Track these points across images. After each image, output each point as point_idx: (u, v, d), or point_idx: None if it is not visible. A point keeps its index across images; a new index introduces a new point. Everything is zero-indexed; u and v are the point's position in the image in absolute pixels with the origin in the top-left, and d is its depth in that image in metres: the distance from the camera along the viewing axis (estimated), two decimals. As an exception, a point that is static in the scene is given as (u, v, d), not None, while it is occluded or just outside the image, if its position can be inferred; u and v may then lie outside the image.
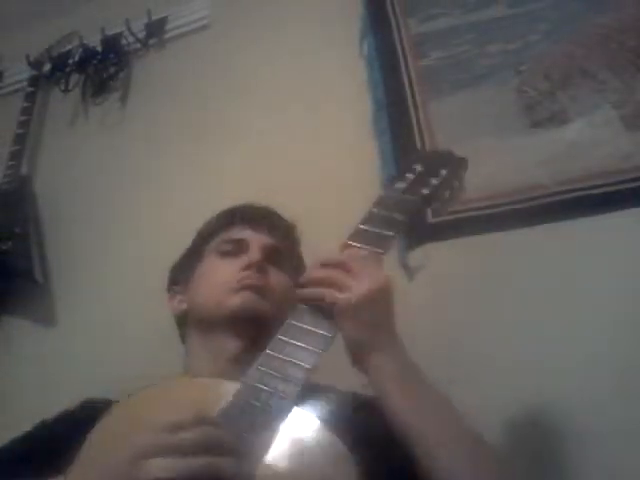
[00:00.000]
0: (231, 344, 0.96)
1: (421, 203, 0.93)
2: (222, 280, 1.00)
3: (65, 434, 0.76)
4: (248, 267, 0.99)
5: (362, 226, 0.89)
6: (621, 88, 1.19)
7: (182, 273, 1.10)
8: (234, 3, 1.62)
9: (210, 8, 1.66)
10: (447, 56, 1.34)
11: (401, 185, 0.95)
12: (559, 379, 1.08)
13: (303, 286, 0.85)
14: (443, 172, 0.95)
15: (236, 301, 0.97)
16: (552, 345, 1.10)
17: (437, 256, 1.21)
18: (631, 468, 0.98)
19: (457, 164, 0.98)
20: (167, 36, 1.71)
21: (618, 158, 1.15)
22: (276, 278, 1.02)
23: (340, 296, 0.81)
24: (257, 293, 0.98)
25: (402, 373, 0.80)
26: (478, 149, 1.21)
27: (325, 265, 0.86)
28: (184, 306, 1.05)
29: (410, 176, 0.96)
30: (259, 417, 0.69)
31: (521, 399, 1.09)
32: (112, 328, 1.44)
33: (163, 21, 1.71)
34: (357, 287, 0.81)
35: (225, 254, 1.04)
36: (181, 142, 1.56)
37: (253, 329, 0.95)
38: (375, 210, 0.91)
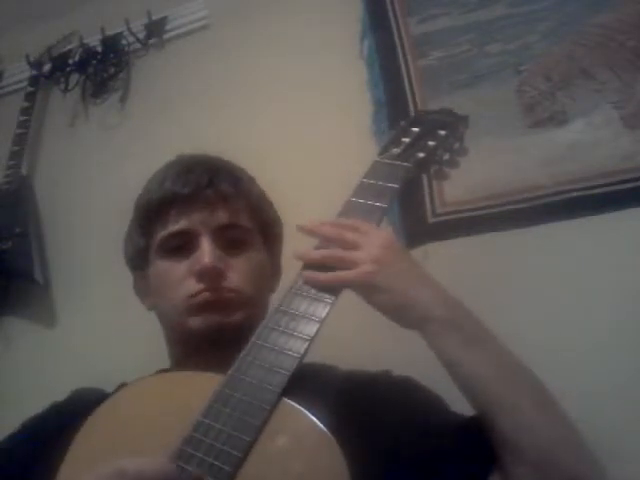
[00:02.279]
0: (204, 356, 0.85)
1: (415, 169, 0.87)
2: (177, 294, 0.88)
3: (56, 427, 0.75)
4: (201, 278, 0.86)
5: (353, 199, 0.83)
6: (621, 88, 1.19)
7: (136, 266, 0.98)
8: (234, 3, 1.62)
9: (210, 8, 1.66)
10: (447, 56, 1.34)
11: (396, 150, 0.88)
12: (560, 379, 1.08)
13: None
14: (441, 133, 0.89)
15: (197, 323, 0.86)
16: (552, 345, 1.10)
17: (437, 256, 1.21)
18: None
19: (457, 123, 0.92)
20: (167, 36, 1.71)
21: (618, 158, 1.15)
22: (242, 270, 0.88)
23: (351, 273, 0.74)
24: (220, 310, 0.86)
25: (458, 327, 0.75)
26: (478, 149, 1.21)
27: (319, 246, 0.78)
28: (151, 305, 0.96)
29: (406, 140, 0.90)
30: (236, 426, 0.65)
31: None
32: (112, 328, 1.44)
33: (163, 21, 1.71)
34: (363, 255, 0.75)
35: (172, 252, 0.90)
36: (181, 142, 1.56)
37: (225, 343, 0.82)
38: (366, 180, 0.85)
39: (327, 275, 0.75)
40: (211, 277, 0.86)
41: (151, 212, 0.93)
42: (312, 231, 0.81)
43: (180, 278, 0.88)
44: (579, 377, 1.07)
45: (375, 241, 0.77)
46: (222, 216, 0.90)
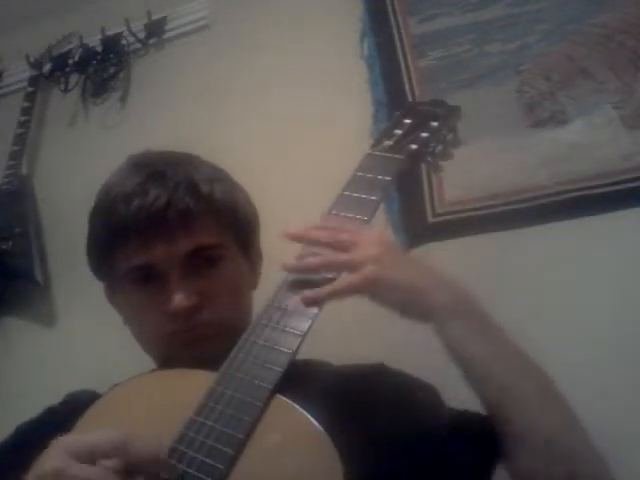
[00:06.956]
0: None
1: (408, 160, 0.86)
2: (151, 334, 0.87)
3: (50, 431, 0.75)
4: (174, 319, 0.83)
5: (345, 192, 0.82)
6: (621, 88, 1.19)
7: (102, 280, 0.96)
8: (234, 3, 1.62)
9: (210, 8, 1.66)
10: (447, 56, 1.34)
11: (388, 143, 0.88)
12: (561, 378, 1.08)
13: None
14: (434, 124, 0.89)
15: (176, 358, 0.84)
16: (552, 344, 1.10)
17: (437, 256, 1.21)
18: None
19: (449, 114, 0.92)
20: (167, 36, 1.70)
21: (618, 158, 1.15)
22: (217, 292, 0.85)
23: (355, 277, 0.71)
24: (199, 344, 0.83)
25: (463, 314, 0.75)
26: (478, 149, 1.21)
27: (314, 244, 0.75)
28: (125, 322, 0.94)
29: (398, 132, 0.89)
30: (229, 424, 0.65)
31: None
32: (112, 328, 1.44)
33: (163, 21, 1.70)
34: (362, 256, 0.72)
35: (137, 281, 0.86)
36: (181, 142, 1.56)
37: (210, 362, 0.74)
38: (359, 173, 0.84)
39: (333, 286, 0.72)
40: (184, 317, 0.83)
41: (106, 241, 0.88)
42: (300, 237, 0.77)
43: (152, 319, 0.86)
44: (579, 376, 1.07)
45: (368, 239, 0.75)
46: (186, 243, 0.84)
